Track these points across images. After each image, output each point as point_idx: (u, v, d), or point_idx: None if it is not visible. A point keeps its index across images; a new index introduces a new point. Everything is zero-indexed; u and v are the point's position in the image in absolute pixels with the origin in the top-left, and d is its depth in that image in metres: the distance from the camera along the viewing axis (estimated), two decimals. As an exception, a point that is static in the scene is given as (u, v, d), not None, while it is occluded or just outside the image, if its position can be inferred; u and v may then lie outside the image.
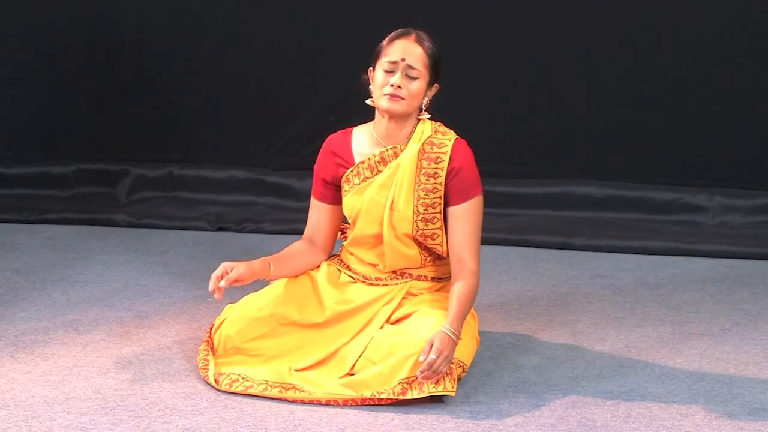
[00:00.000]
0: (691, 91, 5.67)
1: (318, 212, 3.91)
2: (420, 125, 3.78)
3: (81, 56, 5.93)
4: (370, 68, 3.77)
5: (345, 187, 3.83)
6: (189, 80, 5.93)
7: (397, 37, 3.74)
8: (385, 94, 3.71)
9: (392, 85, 3.69)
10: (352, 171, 3.81)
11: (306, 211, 3.98)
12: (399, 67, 3.70)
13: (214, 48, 5.89)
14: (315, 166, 3.91)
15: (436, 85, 3.78)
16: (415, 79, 3.71)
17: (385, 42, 3.75)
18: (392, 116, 3.75)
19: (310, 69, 5.83)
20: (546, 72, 5.73)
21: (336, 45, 5.77)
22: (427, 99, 3.77)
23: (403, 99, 3.71)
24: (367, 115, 3.87)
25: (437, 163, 3.74)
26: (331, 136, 3.91)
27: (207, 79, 5.92)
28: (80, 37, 5.91)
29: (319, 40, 5.81)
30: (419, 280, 3.86)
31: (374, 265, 3.87)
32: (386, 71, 3.71)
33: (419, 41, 3.72)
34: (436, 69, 3.75)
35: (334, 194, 3.88)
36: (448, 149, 3.75)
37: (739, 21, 5.59)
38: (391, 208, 3.76)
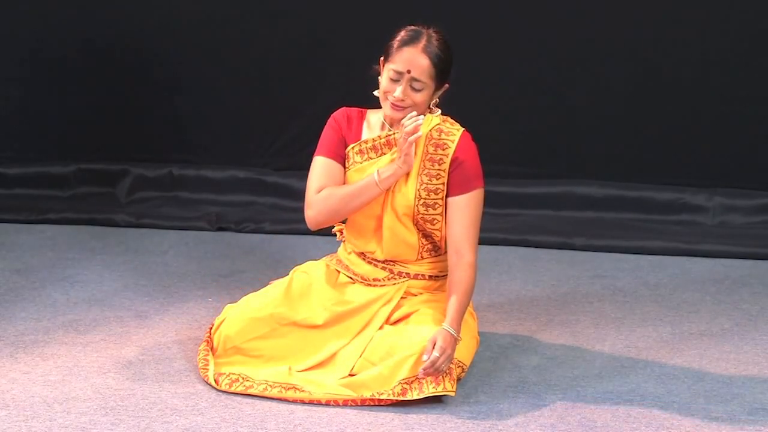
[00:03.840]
0: (691, 91, 5.67)
1: (330, 172, 3.79)
2: (429, 114, 3.78)
3: (81, 56, 5.93)
4: (381, 58, 3.75)
5: (345, 163, 3.83)
6: (189, 80, 5.93)
7: (406, 43, 3.68)
8: (389, 102, 3.71)
9: (395, 97, 3.69)
10: (353, 148, 3.81)
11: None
12: (404, 79, 3.68)
13: (214, 48, 5.89)
14: (330, 126, 3.84)
15: (445, 85, 3.77)
16: (419, 90, 3.69)
17: (395, 43, 3.70)
18: (395, 120, 3.76)
19: (310, 69, 5.83)
20: (546, 72, 5.72)
21: (336, 45, 5.77)
22: (435, 99, 3.77)
23: (405, 108, 3.70)
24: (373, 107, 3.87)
25: (443, 150, 3.74)
26: (346, 107, 3.88)
27: (207, 79, 5.92)
28: (80, 37, 5.91)
29: (319, 40, 5.81)
30: (417, 278, 3.86)
31: (371, 254, 3.85)
32: (392, 79, 3.69)
33: (426, 50, 3.67)
34: (444, 74, 3.72)
35: (345, 156, 3.85)
36: (456, 137, 3.75)
37: (739, 21, 5.59)
38: (393, 191, 3.76)
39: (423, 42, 3.69)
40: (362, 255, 3.89)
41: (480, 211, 3.77)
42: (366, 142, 3.80)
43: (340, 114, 3.87)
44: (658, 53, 5.66)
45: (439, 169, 3.75)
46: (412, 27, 3.74)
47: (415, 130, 3.63)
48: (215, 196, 5.91)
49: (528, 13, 5.68)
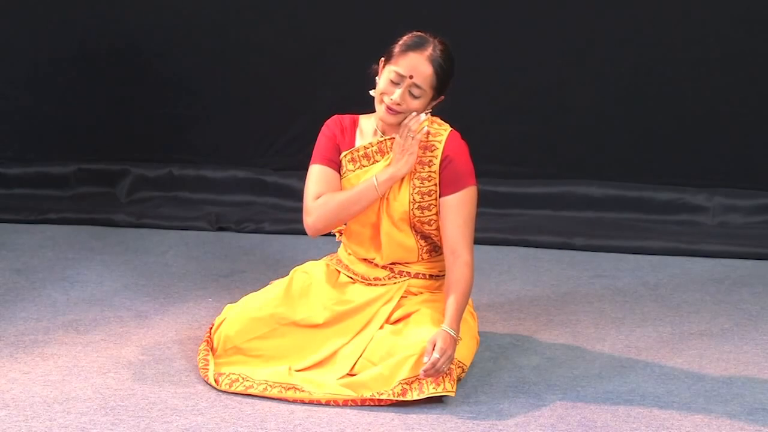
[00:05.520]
0: (691, 92, 5.66)
1: (327, 179, 3.79)
2: None
3: (81, 57, 5.93)
4: (382, 58, 3.74)
5: (340, 171, 3.83)
6: (189, 80, 5.93)
7: (411, 48, 3.67)
8: (384, 104, 3.70)
9: (392, 100, 3.68)
10: (345, 156, 3.81)
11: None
12: (404, 83, 3.67)
13: (215, 48, 5.89)
14: (323, 134, 3.83)
15: (441, 96, 3.75)
16: (417, 97, 3.68)
17: (399, 47, 3.69)
18: (387, 123, 3.76)
19: (310, 69, 5.83)
20: (546, 72, 5.72)
21: (336, 45, 5.76)
22: (429, 109, 3.75)
23: (399, 113, 3.70)
24: (367, 110, 3.87)
25: (432, 152, 3.74)
26: (339, 115, 3.88)
27: (207, 79, 5.92)
28: (80, 38, 5.91)
29: (319, 40, 5.81)
30: (417, 278, 3.86)
31: (371, 260, 3.86)
32: (392, 81, 3.68)
33: (431, 60, 3.65)
34: (444, 85, 3.71)
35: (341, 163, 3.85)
36: (443, 138, 3.75)
37: (739, 21, 5.59)
38: (387, 198, 3.76)
39: (429, 50, 3.67)
40: (363, 261, 3.89)
41: (474, 209, 3.76)
42: (358, 150, 3.80)
43: (332, 122, 3.86)
44: (658, 53, 5.65)
45: (429, 171, 3.74)
46: (419, 33, 3.72)
47: (419, 128, 3.64)
48: (215, 196, 5.91)
49: (528, 13, 5.68)
